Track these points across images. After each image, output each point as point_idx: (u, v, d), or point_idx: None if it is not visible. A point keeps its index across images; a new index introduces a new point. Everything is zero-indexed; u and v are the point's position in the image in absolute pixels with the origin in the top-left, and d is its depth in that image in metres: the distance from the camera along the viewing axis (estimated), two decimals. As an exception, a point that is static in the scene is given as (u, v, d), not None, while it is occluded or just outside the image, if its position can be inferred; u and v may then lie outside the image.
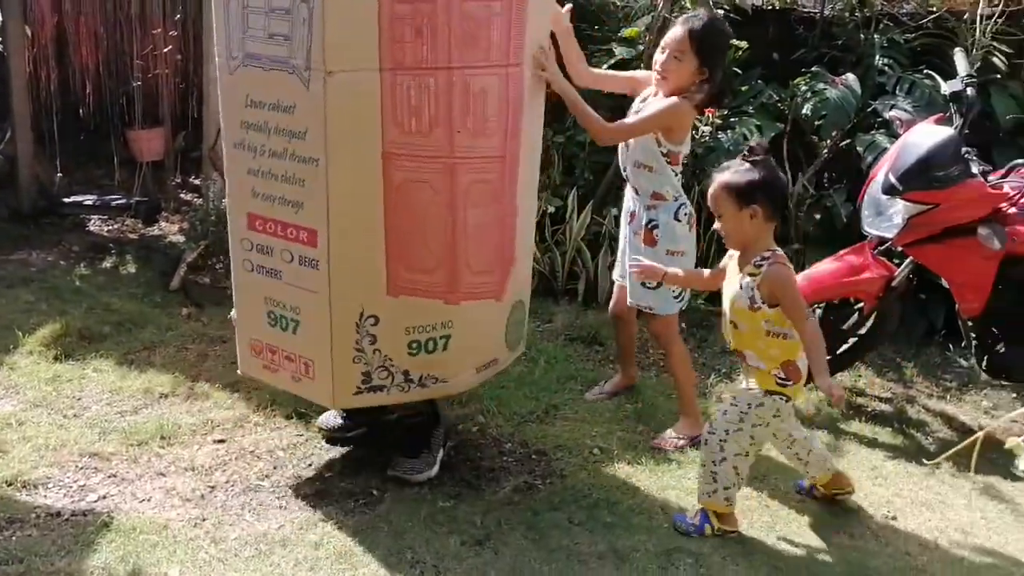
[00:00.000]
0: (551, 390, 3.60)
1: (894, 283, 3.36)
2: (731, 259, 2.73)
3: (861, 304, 3.50)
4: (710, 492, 2.71)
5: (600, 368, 3.87)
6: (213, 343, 3.79)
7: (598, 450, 3.19)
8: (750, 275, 2.58)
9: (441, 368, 2.75)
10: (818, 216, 4.49)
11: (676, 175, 3.12)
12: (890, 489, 3.07)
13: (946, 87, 3.35)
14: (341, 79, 2.39)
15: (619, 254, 3.43)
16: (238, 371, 2.98)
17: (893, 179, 3.11)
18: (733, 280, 2.67)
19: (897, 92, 4.37)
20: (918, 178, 3.06)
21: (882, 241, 3.39)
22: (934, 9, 4.54)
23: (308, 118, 2.45)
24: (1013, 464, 3.30)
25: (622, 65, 4.67)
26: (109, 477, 2.88)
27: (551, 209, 4.61)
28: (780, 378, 2.61)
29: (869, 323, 3.48)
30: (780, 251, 2.59)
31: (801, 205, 4.50)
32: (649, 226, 3.14)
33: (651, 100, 3.13)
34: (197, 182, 5.56)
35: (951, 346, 4.15)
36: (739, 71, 4.64)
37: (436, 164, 2.53)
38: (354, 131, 2.45)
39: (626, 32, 4.61)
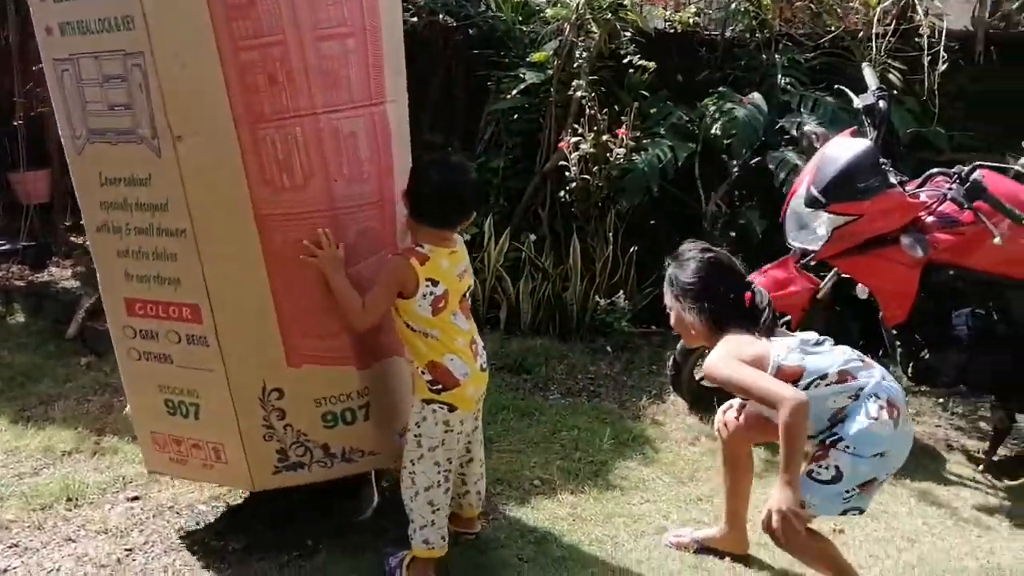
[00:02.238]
0: (484, 422, 3.47)
1: (819, 295, 3.39)
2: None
3: (788, 318, 3.51)
4: (411, 532, 2.47)
5: (530, 396, 3.77)
6: (118, 392, 3.52)
7: (539, 481, 3.09)
8: None
9: (365, 440, 2.57)
10: (733, 234, 4.52)
11: (817, 382, 2.32)
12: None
13: (858, 101, 3.41)
14: (193, 142, 2.24)
15: None
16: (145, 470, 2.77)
17: (816, 192, 3.13)
18: None
19: (801, 109, 4.46)
20: (840, 190, 3.09)
21: (804, 254, 3.41)
22: (831, 29, 4.66)
23: (166, 188, 2.30)
24: (944, 468, 3.35)
25: (533, 90, 4.65)
26: (10, 547, 2.62)
27: (467, 237, 4.51)
28: (430, 382, 2.40)
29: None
30: (423, 248, 2.36)
31: (715, 223, 4.53)
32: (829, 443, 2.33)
33: None
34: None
35: (870, 356, 4.21)
36: (646, 94, 4.66)
37: (317, 219, 2.34)
38: (218, 195, 2.29)
39: (534, 56, 4.59)
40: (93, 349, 3.81)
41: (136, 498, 2.87)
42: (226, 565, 2.56)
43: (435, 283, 2.37)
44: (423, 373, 2.41)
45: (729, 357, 2.30)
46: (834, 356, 2.34)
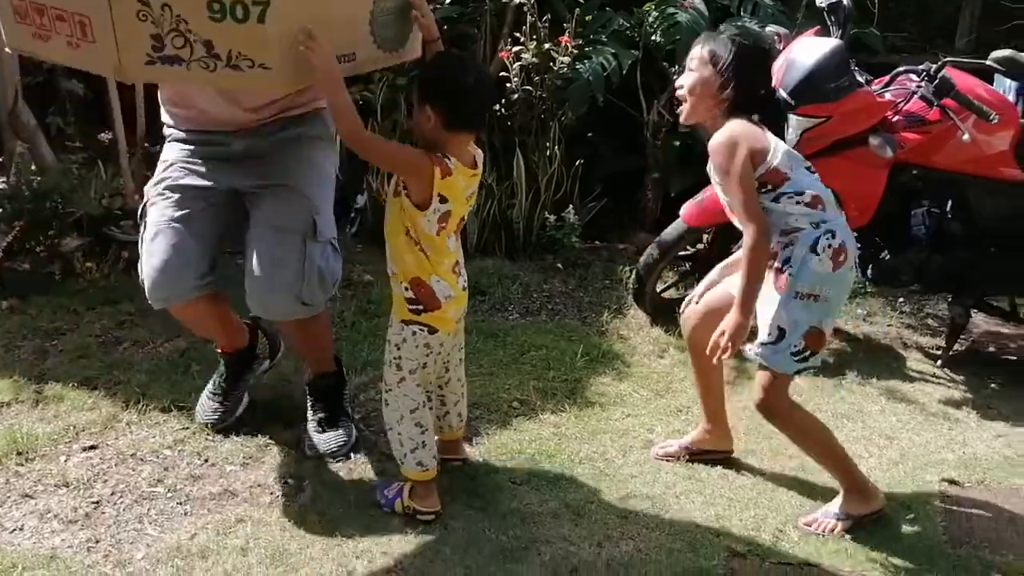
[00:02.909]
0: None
1: (783, 201, 3.36)
2: None
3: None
4: (401, 458, 2.39)
5: (490, 318, 3.66)
6: (49, 336, 3.25)
7: (517, 403, 3.01)
8: None
9: (257, 48, 2.09)
10: (676, 143, 4.45)
11: (792, 196, 2.34)
12: (809, 405, 3.03)
13: (821, 0, 3.34)
14: None
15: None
16: (6, 49, 2.37)
17: (784, 95, 3.07)
18: None
19: (742, 13, 4.39)
20: (809, 92, 3.03)
21: (765, 160, 3.37)
22: (767, -71, 4.56)
23: None
24: (905, 366, 3.42)
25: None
26: (-39, 509, 2.39)
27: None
28: (410, 301, 2.29)
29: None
30: (449, 161, 2.19)
31: (658, 133, 4.45)
32: (783, 269, 2.38)
33: None
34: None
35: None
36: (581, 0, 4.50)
37: None
38: None
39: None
40: (15, 292, 3.49)
41: (93, 447, 2.65)
42: (205, 511, 2.40)
43: (445, 200, 2.22)
44: (405, 290, 2.30)
45: (742, 143, 2.26)
46: (814, 181, 2.37)
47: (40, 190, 3.62)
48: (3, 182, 3.91)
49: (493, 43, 4.39)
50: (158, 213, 2.50)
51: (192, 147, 2.56)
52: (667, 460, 2.73)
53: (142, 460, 2.61)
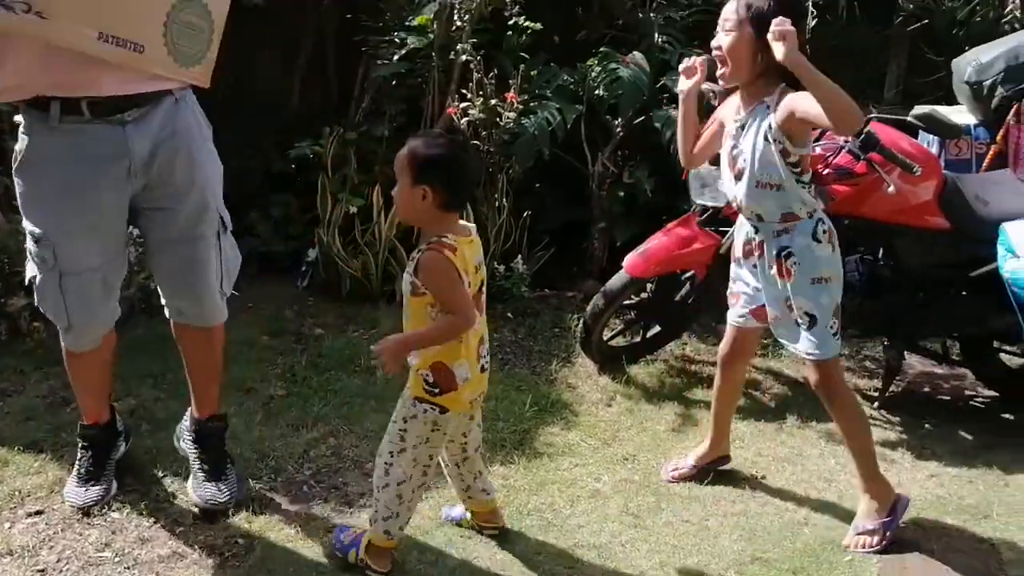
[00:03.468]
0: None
1: (721, 250, 3.47)
2: None
3: (691, 274, 3.59)
4: (372, 518, 2.40)
5: (440, 369, 3.70)
6: (-9, 400, 3.24)
7: (466, 455, 3.05)
8: (412, 260, 2.24)
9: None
10: (621, 193, 4.56)
11: (807, 186, 2.54)
12: (751, 449, 3.17)
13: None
14: None
15: (735, 292, 2.82)
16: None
17: (718, 150, 3.19)
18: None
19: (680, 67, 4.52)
20: (742, 147, 3.16)
21: (704, 211, 3.49)
22: (705, -14, 4.74)
23: None
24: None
25: (413, 55, 4.52)
26: (-99, 580, 2.37)
27: (354, 210, 4.38)
28: (428, 383, 2.26)
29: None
30: (448, 239, 2.20)
31: (603, 184, 4.56)
32: (783, 255, 2.57)
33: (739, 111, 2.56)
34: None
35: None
36: (526, 56, 4.62)
37: None
38: None
39: (418, 20, 4.45)
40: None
41: (39, 512, 2.64)
42: (154, 575, 2.40)
43: (465, 274, 2.22)
44: (425, 374, 2.27)
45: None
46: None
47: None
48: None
49: (441, 99, 4.49)
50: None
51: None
52: (679, 481, 2.93)
53: (89, 524, 2.60)
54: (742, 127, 2.52)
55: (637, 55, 4.50)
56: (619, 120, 4.50)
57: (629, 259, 3.46)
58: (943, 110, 3.54)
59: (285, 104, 5.00)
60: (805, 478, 3.01)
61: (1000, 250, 3.05)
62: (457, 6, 4.40)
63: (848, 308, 3.36)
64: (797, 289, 2.55)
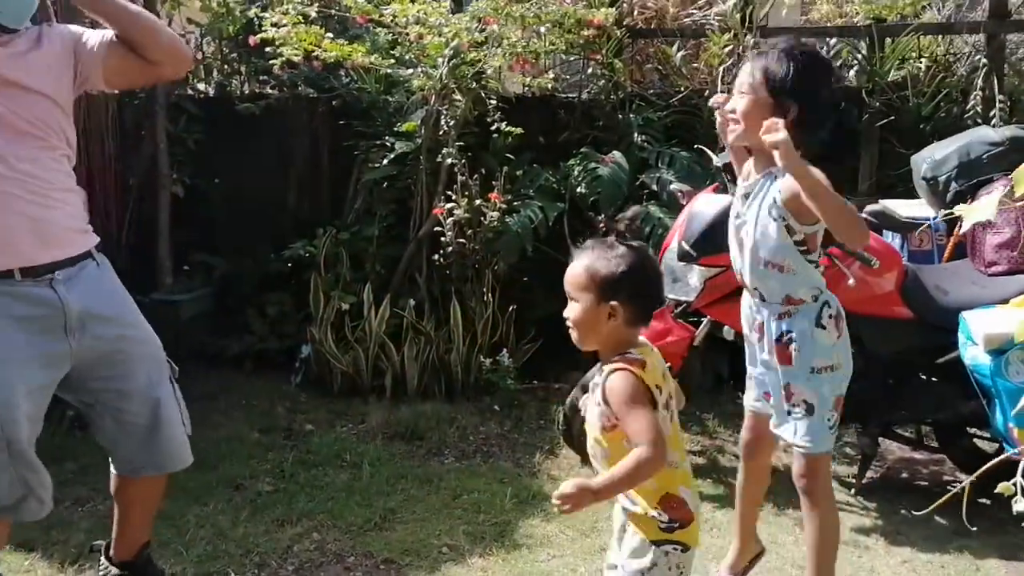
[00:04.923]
0: (384, 493, 3.48)
1: (696, 342, 3.59)
2: None
3: (668, 365, 3.68)
4: None
5: (426, 463, 3.79)
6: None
7: (446, 548, 3.12)
8: (595, 387, 2.01)
9: None
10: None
11: (816, 265, 2.47)
12: (725, 538, 3.21)
13: (717, 160, 3.63)
14: None
15: (750, 375, 2.74)
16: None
17: (687, 247, 3.34)
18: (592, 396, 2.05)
19: (659, 165, 4.71)
20: (709, 243, 3.29)
21: (678, 304, 3.62)
22: (680, 89, 4.97)
23: None
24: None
25: (402, 159, 4.74)
26: None
27: (345, 307, 4.53)
28: (663, 522, 1.97)
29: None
30: (633, 353, 1.98)
31: (587, 278, 4.69)
32: (783, 339, 2.51)
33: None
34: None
35: (740, 393, 4.46)
36: (511, 156, 4.83)
37: None
38: None
39: (405, 126, 4.68)
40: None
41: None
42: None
43: (659, 389, 1.96)
44: (659, 515, 1.97)
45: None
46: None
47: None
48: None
49: (429, 200, 4.69)
50: None
51: None
52: None
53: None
54: (747, 195, 2.46)
55: (617, 154, 4.70)
56: (601, 216, 4.67)
57: (605, 351, 3.56)
58: (897, 205, 3.69)
59: (281, 207, 5.22)
60: (778, 565, 3.06)
61: (961, 338, 3.15)
62: (444, 112, 4.63)
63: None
64: (796, 376, 2.45)
